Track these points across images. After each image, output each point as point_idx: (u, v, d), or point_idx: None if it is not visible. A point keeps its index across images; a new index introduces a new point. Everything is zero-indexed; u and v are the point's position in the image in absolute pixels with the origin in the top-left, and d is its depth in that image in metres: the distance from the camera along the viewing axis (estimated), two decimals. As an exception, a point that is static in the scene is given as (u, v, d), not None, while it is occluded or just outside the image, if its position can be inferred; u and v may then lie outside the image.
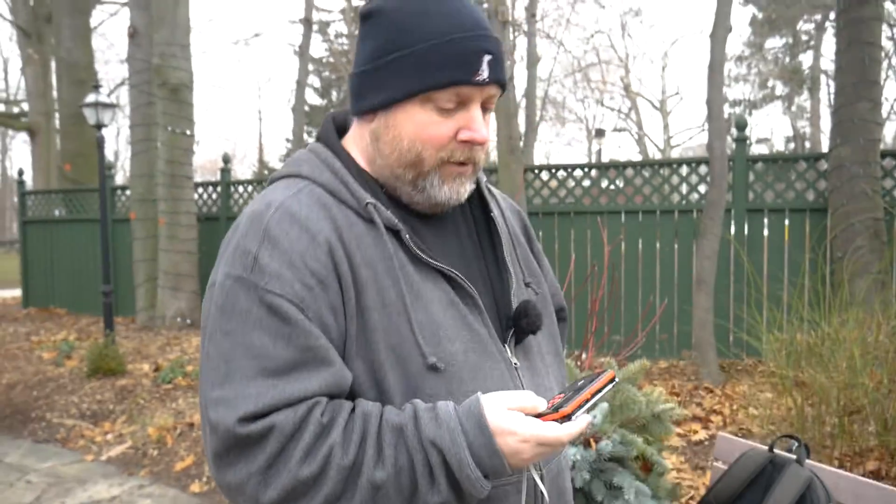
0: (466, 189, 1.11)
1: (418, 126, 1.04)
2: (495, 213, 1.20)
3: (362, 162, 1.11)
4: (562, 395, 1.00)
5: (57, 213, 10.99)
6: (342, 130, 1.17)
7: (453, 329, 1.04)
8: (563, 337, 1.37)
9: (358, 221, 1.03)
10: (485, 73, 1.02)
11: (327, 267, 0.99)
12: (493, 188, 1.28)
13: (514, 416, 0.93)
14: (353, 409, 0.97)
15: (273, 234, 0.99)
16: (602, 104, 28.98)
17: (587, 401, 0.97)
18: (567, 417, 0.95)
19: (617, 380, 1.02)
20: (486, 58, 1.03)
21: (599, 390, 0.99)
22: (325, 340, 0.97)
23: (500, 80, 1.06)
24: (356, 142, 1.13)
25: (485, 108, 1.07)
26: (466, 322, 1.06)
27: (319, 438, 0.92)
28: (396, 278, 1.01)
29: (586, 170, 7.28)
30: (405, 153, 1.05)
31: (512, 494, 1.05)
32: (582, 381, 1.01)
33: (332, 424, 0.94)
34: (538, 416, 0.95)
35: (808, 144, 27.08)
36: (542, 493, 1.06)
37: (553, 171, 7.35)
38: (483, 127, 1.06)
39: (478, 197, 1.21)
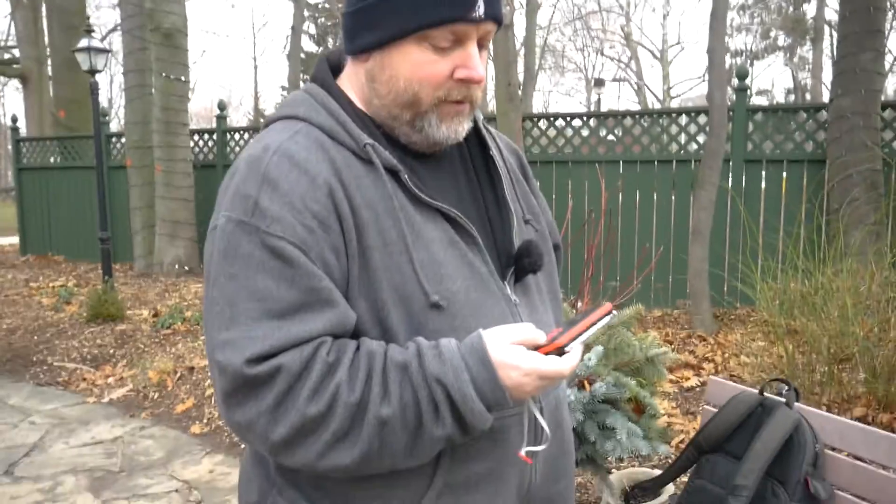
0: (464, 128, 1.10)
1: (414, 65, 1.02)
2: (494, 152, 1.19)
3: (358, 102, 1.10)
4: (559, 330, 1.02)
5: (52, 160, 10.92)
6: (337, 70, 1.15)
7: (454, 267, 1.05)
8: (557, 273, 1.38)
9: (356, 162, 1.03)
10: (480, 8, 1.01)
11: (328, 208, 0.99)
12: (490, 127, 1.26)
13: (516, 350, 0.96)
14: (357, 348, 0.98)
15: (272, 176, 0.98)
16: (602, 53, 28.62)
17: (583, 332, 0.99)
18: (562, 349, 0.97)
19: (614, 312, 1.04)
20: None
21: (595, 322, 1.01)
22: (329, 281, 0.98)
23: (496, 16, 1.04)
24: (351, 82, 1.11)
25: (481, 46, 1.06)
26: (467, 260, 1.07)
27: (326, 377, 0.94)
28: (397, 218, 1.01)
29: (585, 119, 7.23)
30: (402, 93, 1.04)
31: (514, 426, 1.07)
32: (580, 316, 1.03)
33: (337, 363, 0.95)
34: (536, 348, 0.97)
35: (808, 96, 26.84)
36: (541, 425, 1.09)
37: (551, 119, 7.29)
38: (480, 65, 1.04)
39: (475, 136, 1.20)
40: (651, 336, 2.58)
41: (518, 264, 1.13)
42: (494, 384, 0.94)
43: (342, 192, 1.00)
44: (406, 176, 1.04)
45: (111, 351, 5.89)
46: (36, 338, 6.36)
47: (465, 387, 0.94)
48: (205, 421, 4.42)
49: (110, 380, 5.30)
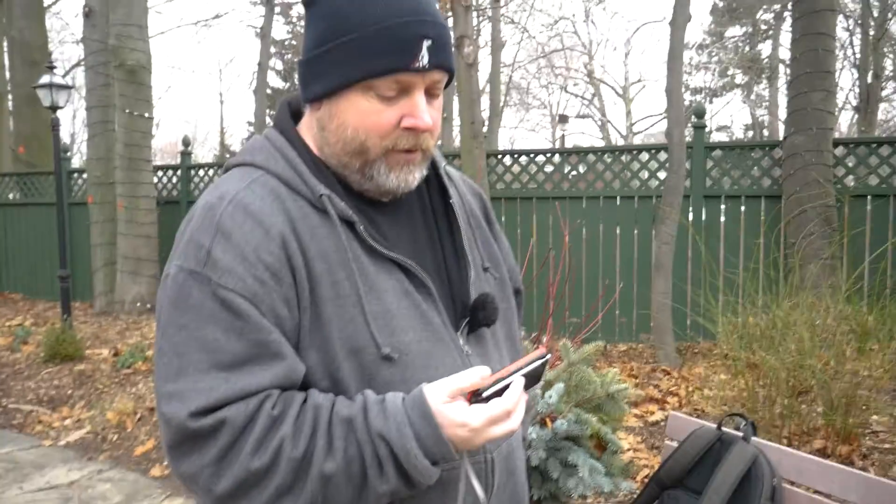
0: (416, 176, 1.10)
1: (360, 114, 1.03)
2: (454, 199, 1.19)
3: (315, 149, 1.11)
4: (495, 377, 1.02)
5: (11, 196, 10.72)
6: (298, 116, 1.16)
7: (407, 319, 1.05)
8: (518, 317, 1.39)
9: (312, 213, 1.03)
10: (424, 59, 1.01)
11: (280, 260, 0.99)
12: (451, 171, 1.27)
13: (458, 406, 0.96)
14: (305, 401, 0.98)
15: (226, 227, 0.99)
16: (566, 90, 29.12)
17: (507, 376, 1.00)
18: (478, 394, 0.98)
19: (548, 356, 1.05)
20: (426, 43, 1.01)
21: (525, 365, 1.01)
22: (278, 334, 0.98)
23: (443, 64, 1.04)
24: (308, 129, 1.12)
25: (431, 94, 1.06)
26: (420, 311, 1.07)
27: (270, 431, 0.94)
28: (351, 270, 1.01)
29: (548, 155, 7.34)
30: (349, 141, 1.05)
31: (463, 477, 1.06)
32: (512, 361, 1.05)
33: (282, 417, 0.95)
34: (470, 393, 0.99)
35: (766, 133, 27.56)
36: (492, 473, 1.10)
37: (515, 156, 7.39)
38: (426, 113, 1.04)
39: (436, 182, 1.20)
40: (612, 372, 2.60)
41: (472, 317, 1.13)
42: (437, 439, 0.94)
43: (296, 243, 1.00)
44: (362, 227, 1.04)
45: (69, 392, 5.75)
46: (-10, 379, 6.18)
47: (407, 442, 0.93)
48: (165, 463, 4.32)
49: (67, 422, 5.16)
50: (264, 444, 0.93)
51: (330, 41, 1.03)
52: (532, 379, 1.04)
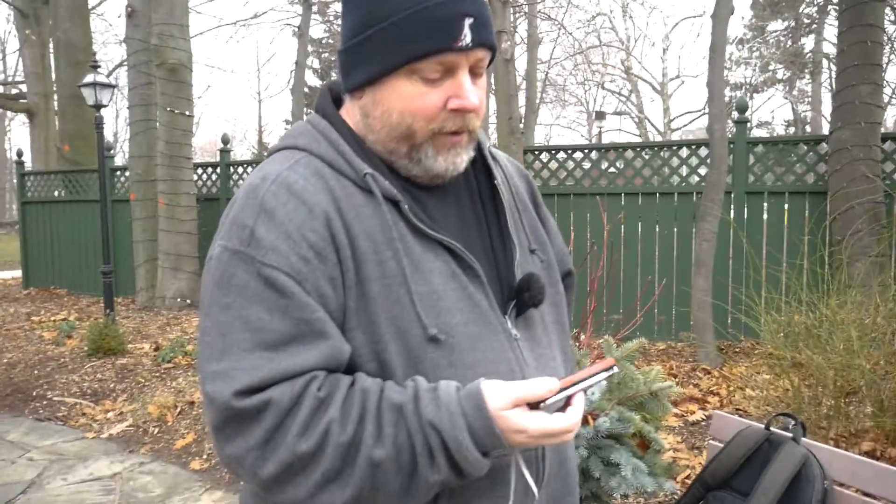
0: (463, 159, 1.08)
1: (406, 99, 1.01)
2: (499, 181, 1.16)
3: (359, 131, 1.10)
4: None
5: (56, 193, 10.98)
6: (340, 101, 1.15)
7: (454, 300, 1.03)
8: (569, 302, 1.35)
9: (356, 192, 1.02)
10: (467, 37, 0.99)
11: (325, 238, 0.98)
12: (497, 153, 1.24)
13: (520, 413, 0.94)
14: (352, 384, 0.96)
15: (269, 206, 0.98)
16: (603, 87, 28.84)
17: (572, 386, 0.98)
18: (537, 405, 0.96)
19: (616, 368, 1.02)
20: (468, 21, 0.99)
21: (592, 375, 0.99)
22: (323, 313, 0.96)
23: (486, 42, 1.02)
24: (350, 116, 1.11)
25: (475, 74, 1.04)
26: (467, 293, 1.05)
27: (317, 413, 0.92)
28: (396, 249, 1.00)
29: (586, 151, 7.27)
30: (395, 127, 1.03)
31: (513, 469, 1.05)
32: (582, 373, 1.02)
33: (329, 399, 0.93)
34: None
35: (808, 128, 27.00)
36: (543, 462, 1.08)
37: (553, 152, 7.33)
38: (472, 93, 1.02)
39: (482, 163, 1.18)
40: (655, 370, 2.55)
41: (518, 298, 1.11)
42: (490, 432, 0.93)
43: (340, 221, 0.99)
44: (406, 206, 1.02)
45: (111, 385, 5.85)
46: (36, 372, 6.32)
47: (460, 434, 0.92)
48: (205, 457, 4.37)
49: (110, 415, 5.25)
50: (311, 427, 0.92)
51: (369, 27, 1.01)
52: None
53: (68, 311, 9.11)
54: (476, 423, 0.93)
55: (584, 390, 0.99)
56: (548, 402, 0.95)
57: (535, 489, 1.03)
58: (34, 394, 5.81)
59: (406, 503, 0.96)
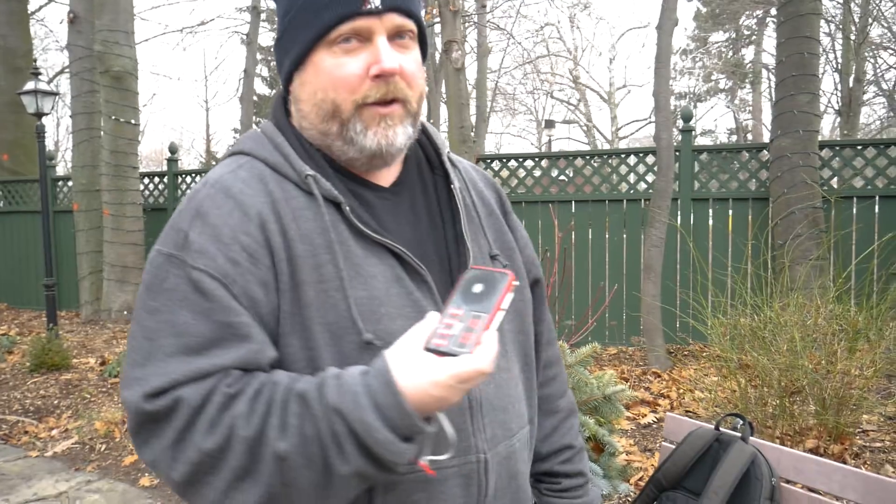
0: (397, 133, 1.04)
1: (326, 73, 1.00)
2: (456, 185, 1.14)
3: (305, 133, 1.09)
4: (457, 312, 0.90)
5: (-6, 204, 10.63)
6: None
7: (397, 306, 1.00)
8: (540, 310, 1.31)
9: (298, 195, 1.00)
10: (375, 0, 0.98)
11: (258, 241, 0.96)
12: (460, 159, 1.23)
13: (424, 363, 0.86)
14: (265, 380, 0.93)
15: (204, 209, 0.97)
16: (551, 96, 29.21)
17: (493, 318, 0.89)
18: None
19: (517, 283, 0.93)
20: None
21: (500, 305, 0.90)
22: (248, 317, 0.93)
23: (399, 6, 1.00)
24: (294, 116, 1.10)
25: (401, 44, 1.03)
26: (412, 298, 1.01)
27: (224, 409, 0.88)
28: (334, 252, 0.97)
29: (537, 160, 7.36)
30: (321, 104, 1.02)
31: (452, 478, 1.01)
32: (478, 288, 0.92)
33: (238, 395, 0.89)
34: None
35: (749, 136, 27.79)
36: (485, 474, 1.04)
37: (504, 160, 7.41)
38: (390, 56, 0.99)
39: (442, 170, 1.17)
40: (608, 374, 2.59)
41: None
42: (402, 409, 0.85)
43: (276, 224, 0.97)
44: (348, 208, 1.00)
45: (55, 402, 5.68)
46: (-25, 390, 6.09)
47: (365, 415, 0.85)
48: (153, 473, 4.26)
49: (54, 432, 5.09)
50: (217, 423, 0.88)
51: (290, 12, 1.03)
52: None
53: (8, 326, 8.81)
54: (385, 402, 0.85)
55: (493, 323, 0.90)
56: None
57: (451, 434, 0.93)
58: (-27, 412, 5.59)
59: (327, 500, 0.90)
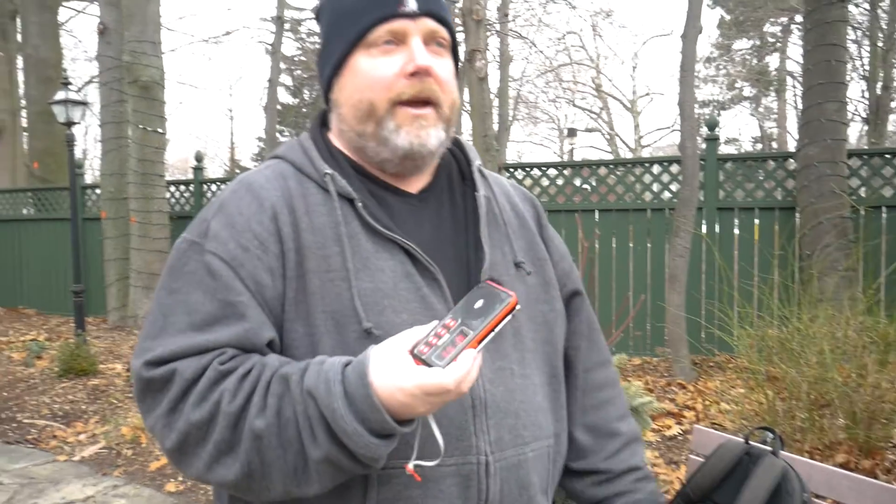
0: (430, 135, 1.07)
1: (363, 73, 1.06)
2: (480, 192, 1.16)
3: (339, 143, 1.14)
4: (452, 323, 0.91)
5: (25, 211, 10.80)
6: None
7: (403, 301, 1.02)
8: (580, 321, 1.31)
9: (317, 192, 1.06)
10: (411, 4, 1.05)
11: (269, 230, 1.02)
12: (499, 178, 1.27)
13: (399, 365, 0.87)
14: (258, 361, 0.97)
15: (225, 201, 1.06)
16: (574, 104, 29.15)
17: (482, 339, 0.89)
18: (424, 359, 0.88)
19: (519, 307, 0.92)
20: None
21: (498, 325, 0.90)
22: (248, 297, 0.98)
23: (433, 11, 1.07)
24: (332, 126, 1.16)
25: (435, 51, 1.08)
26: (420, 294, 1.04)
27: (214, 384, 0.93)
28: (343, 245, 1.02)
29: (560, 168, 7.34)
30: (358, 105, 1.07)
31: (449, 476, 1.00)
32: (479, 303, 0.92)
33: (229, 372, 0.94)
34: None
35: (774, 144, 27.53)
36: (486, 479, 1.02)
37: (528, 169, 7.40)
38: (425, 55, 1.05)
39: (472, 180, 1.19)
40: (635, 386, 2.58)
41: None
42: (370, 403, 0.86)
43: (288, 216, 1.03)
44: (361, 205, 1.05)
45: (83, 407, 5.75)
46: (5, 394, 6.18)
47: (335, 402, 0.87)
48: (180, 479, 4.31)
49: (82, 437, 5.15)
50: (206, 397, 0.93)
51: (330, 26, 1.11)
52: None
53: (38, 332, 8.94)
54: (357, 392, 0.87)
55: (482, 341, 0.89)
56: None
57: (441, 442, 0.93)
58: (3, 416, 5.68)
59: (307, 488, 0.92)
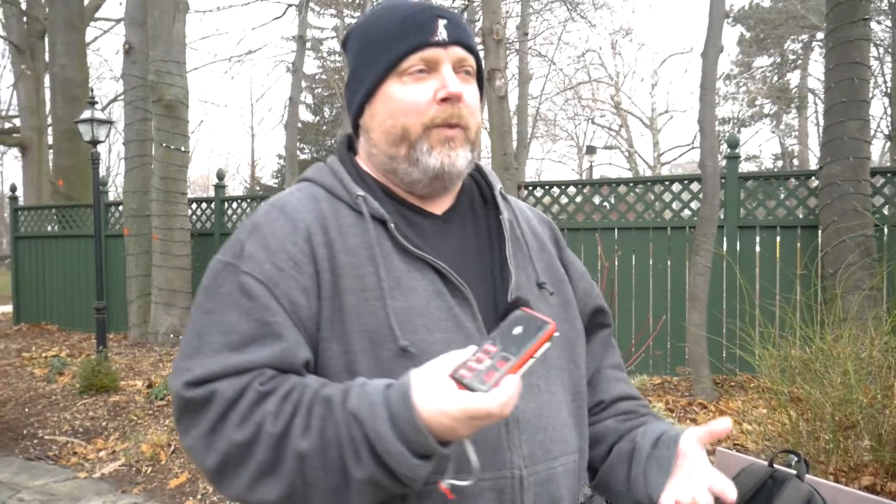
0: (459, 156, 1.12)
1: (397, 99, 1.10)
2: (505, 215, 1.20)
3: (367, 167, 1.18)
4: (492, 349, 0.92)
5: (49, 228, 10.96)
6: (356, 148, 1.24)
7: (435, 319, 1.05)
8: (598, 340, 1.35)
9: (349, 213, 1.09)
10: (443, 33, 1.10)
11: (303, 251, 1.04)
12: (520, 203, 1.33)
13: (442, 389, 0.89)
14: (297, 382, 0.98)
15: (260, 223, 1.08)
16: (593, 122, 29.15)
17: (521, 366, 0.91)
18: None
19: (557, 334, 0.94)
20: (441, 21, 1.10)
21: (536, 352, 0.92)
22: (284, 317, 1.00)
23: (462, 40, 1.12)
24: (360, 150, 1.20)
25: (461, 72, 1.13)
26: (452, 313, 1.06)
27: (255, 405, 0.94)
28: (377, 265, 1.04)
29: (579, 186, 7.33)
30: (391, 130, 1.11)
31: (486, 491, 1.02)
32: (518, 330, 0.94)
33: (270, 393, 0.95)
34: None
35: (796, 162, 27.33)
36: (520, 492, 1.04)
37: (547, 187, 7.40)
38: (457, 83, 1.10)
39: (494, 204, 1.24)
40: (656, 407, 2.55)
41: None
42: (414, 425, 0.88)
43: (322, 237, 1.06)
44: (393, 225, 1.08)
45: (104, 423, 5.79)
46: (27, 410, 6.25)
47: (380, 425, 0.89)
48: (199, 496, 4.31)
49: (102, 453, 5.18)
50: (248, 418, 0.94)
51: (360, 53, 1.15)
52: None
53: (60, 348, 9.03)
54: (401, 415, 0.89)
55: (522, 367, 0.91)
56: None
57: (475, 462, 0.93)
58: (24, 432, 5.73)
59: None
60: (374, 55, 1.12)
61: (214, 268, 1.07)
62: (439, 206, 1.18)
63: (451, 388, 0.88)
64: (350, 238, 1.06)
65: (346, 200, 1.10)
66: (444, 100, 1.09)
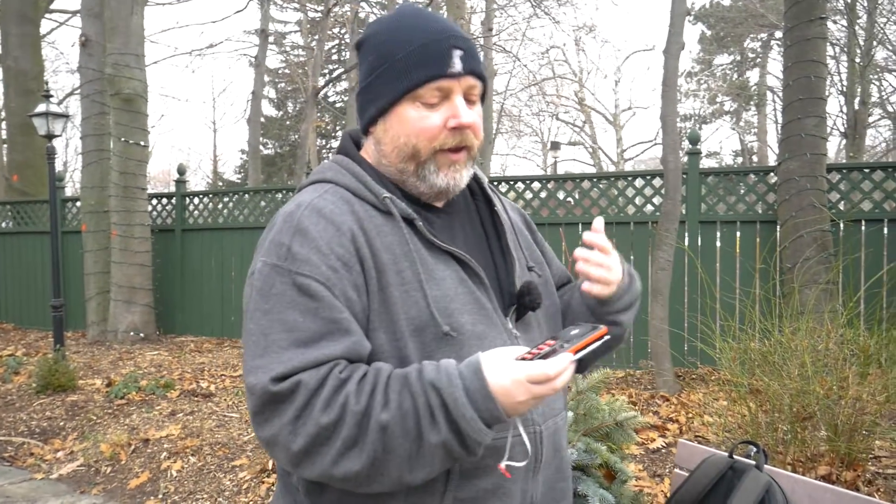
0: (463, 176, 1.26)
1: (410, 123, 1.20)
2: (498, 207, 1.37)
3: (378, 168, 1.29)
4: (552, 342, 1.09)
5: (3, 224, 10.68)
6: (359, 146, 1.34)
7: (463, 303, 1.19)
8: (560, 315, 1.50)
9: (377, 214, 1.20)
10: (458, 65, 1.19)
11: (350, 252, 1.14)
12: (497, 191, 1.44)
13: (509, 364, 1.04)
14: (369, 367, 1.11)
15: (303, 226, 1.15)
16: (557, 118, 29.32)
17: (576, 352, 1.06)
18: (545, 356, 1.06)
19: (608, 336, 1.10)
20: (457, 53, 1.20)
21: (588, 345, 1.08)
22: (348, 314, 1.11)
23: (474, 70, 1.22)
24: (367, 152, 1.31)
25: (470, 100, 1.23)
26: (474, 297, 1.21)
27: (337, 390, 1.05)
28: (413, 260, 1.17)
29: (544, 182, 7.37)
30: (403, 148, 1.22)
31: (516, 445, 1.16)
32: (575, 332, 1.11)
33: (348, 379, 1.07)
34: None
35: (755, 158, 27.82)
36: (541, 444, 1.23)
37: (512, 182, 7.42)
38: (467, 112, 1.21)
39: (483, 197, 1.39)
40: (620, 400, 2.57)
41: (519, 302, 1.27)
42: (485, 393, 1.03)
43: (364, 238, 1.16)
44: (420, 223, 1.20)
45: (61, 423, 5.66)
46: (-19, 411, 6.08)
47: (456, 392, 1.03)
48: (160, 496, 4.24)
49: (60, 454, 5.07)
50: (332, 402, 1.05)
51: (377, 68, 1.22)
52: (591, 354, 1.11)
53: (15, 347, 8.81)
54: (472, 385, 1.04)
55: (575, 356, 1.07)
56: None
57: (529, 447, 1.13)
58: (-21, 433, 5.58)
59: (417, 472, 1.06)
60: (392, 76, 1.20)
61: (262, 270, 1.15)
62: (439, 199, 1.31)
63: (517, 363, 1.04)
64: (385, 237, 1.18)
65: (371, 201, 1.21)
66: (454, 128, 1.20)
